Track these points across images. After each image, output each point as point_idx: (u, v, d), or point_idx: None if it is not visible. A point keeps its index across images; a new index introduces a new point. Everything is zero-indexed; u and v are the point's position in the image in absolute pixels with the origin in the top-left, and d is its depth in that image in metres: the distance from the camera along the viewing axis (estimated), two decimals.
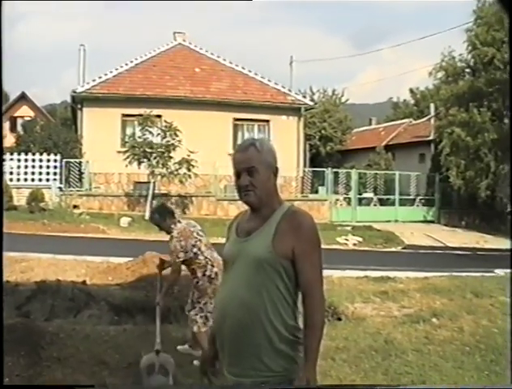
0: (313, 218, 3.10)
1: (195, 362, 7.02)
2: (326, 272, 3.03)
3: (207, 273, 7.01)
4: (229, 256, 3.17)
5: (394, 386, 6.03)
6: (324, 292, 3.03)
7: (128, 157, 23.64)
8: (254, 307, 2.92)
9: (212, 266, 6.99)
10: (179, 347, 7.38)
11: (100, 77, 28.84)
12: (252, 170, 3.02)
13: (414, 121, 44.82)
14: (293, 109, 30.86)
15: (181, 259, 7.02)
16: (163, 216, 7.25)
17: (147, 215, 23.57)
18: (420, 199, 31.39)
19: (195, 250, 7.08)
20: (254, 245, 2.98)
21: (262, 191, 3.03)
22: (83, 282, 10.58)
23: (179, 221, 7.30)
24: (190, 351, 7.32)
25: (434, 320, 9.56)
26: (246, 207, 3.15)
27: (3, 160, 20.85)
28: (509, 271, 14.33)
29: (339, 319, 9.38)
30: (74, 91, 27.90)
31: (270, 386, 2.92)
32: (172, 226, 7.14)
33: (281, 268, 2.94)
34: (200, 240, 7.21)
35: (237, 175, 3.09)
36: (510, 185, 26.24)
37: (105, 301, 9.59)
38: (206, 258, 7.09)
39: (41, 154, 25.66)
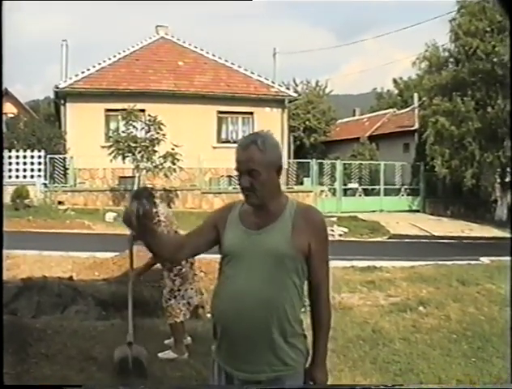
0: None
1: (166, 342, 7.02)
2: None
3: (189, 259, 6.90)
4: (237, 248, 3.01)
5: (394, 387, 6.04)
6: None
7: (112, 152, 23.56)
8: (273, 302, 2.88)
9: None
10: (160, 354, 6.95)
11: (82, 72, 28.69)
12: (252, 172, 2.93)
13: (398, 112, 45.01)
14: (277, 101, 30.86)
15: None
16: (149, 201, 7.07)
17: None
18: (405, 189, 31.54)
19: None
20: (272, 239, 2.92)
21: (264, 192, 2.94)
22: (70, 278, 10.52)
23: (158, 204, 7.14)
24: (174, 356, 6.94)
25: (421, 308, 9.62)
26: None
27: (2, 158, 20.72)
28: (494, 258, 14.49)
29: None
30: (57, 87, 27.74)
31: (284, 382, 2.95)
32: (155, 210, 6.87)
33: (299, 264, 2.93)
34: (178, 226, 7.15)
35: (239, 174, 2.99)
36: (511, 175, 26.52)
37: (92, 296, 9.57)
38: None
39: (25, 150, 25.51)
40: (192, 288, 7.10)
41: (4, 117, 36.60)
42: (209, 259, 11.34)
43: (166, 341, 7.24)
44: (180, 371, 6.41)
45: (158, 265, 7.48)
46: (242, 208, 3.10)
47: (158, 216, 6.90)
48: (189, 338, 7.31)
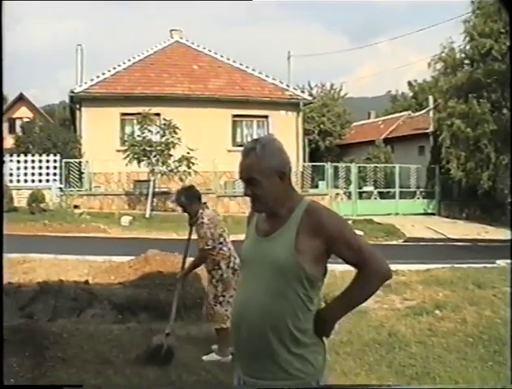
0: (332, 210, 3.09)
1: (204, 358, 6.99)
2: (328, 267, 3.00)
3: (231, 265, 6.89)
4: (248, 254, 3.06)
5: (395, 387, 6.03)
6: (381, 260, 2.97)
7: (127, 156, 23.65)
8: (273, 313, 2.85)
9: (235, 257, 6.82)
10: (204, 357, 6.95)
11: (97, 76, 28.86)
12: (251, 181, 2.91)
13: (413, 114, 44.87)
14: (292, 104, 30.88)
15: (210, 247, 6.85)
16: (189, 200, 7.03)
17: (148, 213, 23.66)
18: (421, 192, 31.44)
19: (221, 239, 6.97)
20: (275, 248, 2.89)
21: (268, 199, 2.92)
22: (86, 282, 10.58)
23: (207, 207, 7.16)
24: (218, 358, 6.93)
25: (437, 312, 9.57)
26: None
27: (3, 162, 20.83)
28: (510, 261, 14.38)
29: None
30: (73, 92, 27.90)
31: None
32: (201, 211, 6.95)
33: (302, 273, 2.85)
34: (225, 230, 7.13)
35: (242, 181, 2.99)
36: (511, 176, 26.30)
37: (108, 300, 9.61)
38: (229, 249, 6.98)
39: (41, 155, 25.68)
40: None
41: (20, 122, 36.88)
42: None
43: (204, 357, 7.00)
44: (196, 375, 6.42)
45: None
46: (261, 213, 3.09)
47: (202, 218, 6.92)
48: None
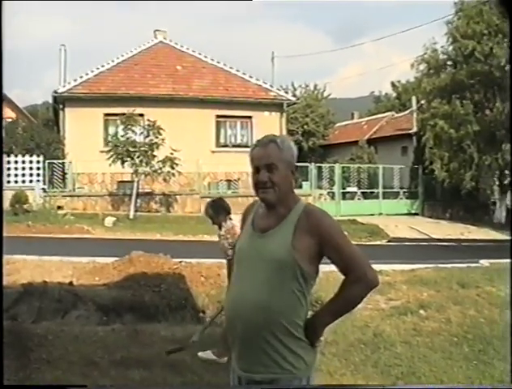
0: (328, 214, 3.11)
1: (200, 354, 6.97)
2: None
3: None
4: (244, 250, 3.12)
5: (395, 387, 6.05)
6: (368, 267, 3.01)
7: (111, 157, 23.56)
8: (267, 308, 2.90)
9: None
10: (200, 353, 7.01)
11: (81, 77, 28.67)
12: (271, 167, 3.00)
13: (396, 115, 45.00)
14: (275, 105, 30.89)
15: (230, 257, 6.80)
16: (216, 212, 7.15)
17: (131, 214, 23.60)
18: (404, 192, 31.54)
19: None
20: (272, 245, 2.95)
21: (280, 189, 3.00)
22: (70, 283, 10.54)
23: (230, 218, 7.16)
24: (213, 358, 6.98)
25: (422, 312, 9.62)
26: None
27: (2, 164, 20.73)
28: (494, 261, 14.50)
29: None
30: (56, 92, 27.71)
31: (280, 384, 2.95)
32: (223, 223, 7.06)
33: (298, 270, 2.91)
34: None
35: (256, 170, 3.05)
36: (511, 182, 26.54)
37: (93, 301, 9.59)
38: None
39: (24, 155, 25.49)
40: None
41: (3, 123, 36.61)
42: (209, 264, 11.40)
43: (200, 353, 7.04)
44: (181, 376, 6.41)
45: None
46: (258, 210, 3.17)
47: (220, 230, 7.08)
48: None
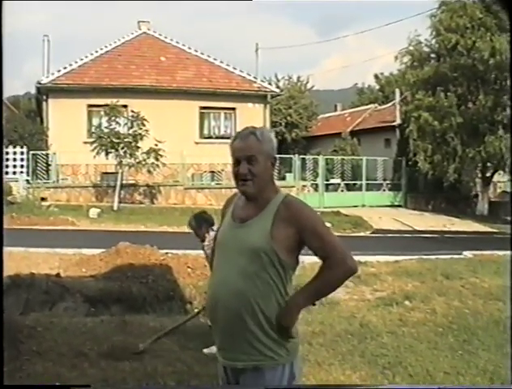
0: (307, 204, 3.16)
1: (205, 350, 6.97)
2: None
3: None
4: (223, 239, 3.18)
5: (395, 387, 6.12)
6: (347, 254, 3.01)
7: (95, 148, 23.50)
8: (247, 296, 2.96)
9: None
10: (205, 350, 6.88)
11: (64, 67, 28.49)
12: (252, 159, 3.03)
13: (379, 107, 45.14)
14: (259, 97, 30.89)
15: None
16: (199, 224, 7.17)
17: (116, 205, 23.56)
18: (387, 184, 31.68)
19: None
20: (251, 234, 3.01)
21: (260, 181, 3.05)
22: (57, 275, 10.53)
23: (213, 230, 7.04)
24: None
25: (407, 303, 9.74)
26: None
27: (2, 159, 20.58)
28: (477, 252, 14.70)
29: (314, 304, 9.42)
30: (39, 83, 27.53)
31: (263, 371, 2.99)
32: (206, 235, 7.06)
33: (276, 259, 2.96)
34: None
35: (236, 163, 3.08)
36: (510, 173, 26.76)
37: (80, 292, 9.61)
38: None
39: (7, 147, 25.30)
40: None
41: None
42: (195, 255, 11.43)
43: (205, 350, 6.90)
44: (171, 366, 6.45)
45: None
46: (238, 202, 3.21)
47: (203, 242, 7.09)
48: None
